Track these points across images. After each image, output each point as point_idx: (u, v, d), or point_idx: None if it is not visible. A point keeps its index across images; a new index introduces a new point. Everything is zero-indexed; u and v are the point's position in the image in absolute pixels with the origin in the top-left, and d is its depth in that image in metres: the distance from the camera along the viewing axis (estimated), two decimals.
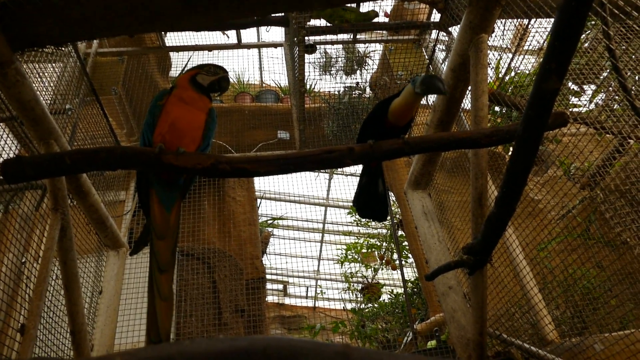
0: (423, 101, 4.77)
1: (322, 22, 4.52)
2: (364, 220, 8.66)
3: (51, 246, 2.50)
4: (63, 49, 3.71)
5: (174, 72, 6.40)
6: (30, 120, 2.45)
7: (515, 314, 3.13)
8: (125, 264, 4.10)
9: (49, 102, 3.51)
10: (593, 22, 3.49)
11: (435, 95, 3.05)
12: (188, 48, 5.35)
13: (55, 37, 2.10)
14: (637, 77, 2.97)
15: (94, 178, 3.88)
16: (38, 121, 2.47)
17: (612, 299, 3.07)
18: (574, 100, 3.85)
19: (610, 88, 3.31)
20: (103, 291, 3.81)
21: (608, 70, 3.24)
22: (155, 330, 1.85)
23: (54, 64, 3.66)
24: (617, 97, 3.26)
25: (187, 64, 6.06)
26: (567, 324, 3.09)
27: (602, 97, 3.54)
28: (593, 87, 3.58)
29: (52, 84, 3.59)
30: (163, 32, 5.17)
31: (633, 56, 2.93)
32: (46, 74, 3.41)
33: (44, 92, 3.37)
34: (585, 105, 3.70)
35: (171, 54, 6.06)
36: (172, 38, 5.37)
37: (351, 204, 8.90)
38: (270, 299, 10.72)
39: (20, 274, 2.94)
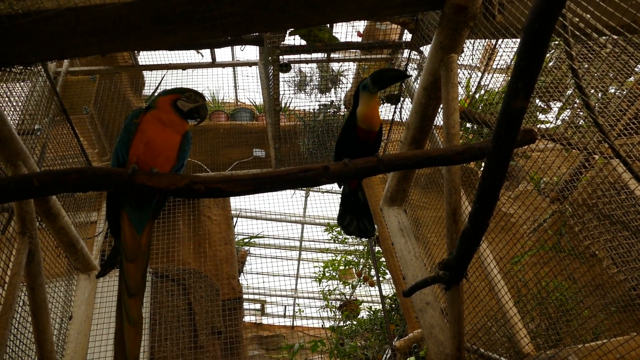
0: (397, 118, 4.86)
1: (296, 41, 4.57)
2: (341, 237, 8.67)
3: (18, 271, 2.41)
4: (32, 68, 3.63)
5: (147, 90, 6.33)
6: None
7: (492, 328, 3.16)
8: (96, 287, 3.98)
9: (17, 122, 3.42)
10: (557, 42, 3.63)
11: (409, 113, 3.11)
12: (161, 67, 5.32)
13: (24, 57, 2.06)
14: (599, 95, 3.09)
15: (64, 199, 3.77)
16: (5, 142, 2.41)
17: (585, 311, 3.14)
18: (541, 117, 3.97)
19: (575, 105, 3.43)
20: (73, 316, 3.68)
21: (572, 88, 3.37)
22: (122, 356, 1.80)
23: (22, 83, 3.58)
24: (581, 114, 3.38)
25: (160, 82, 6.01)
26: (542, 336, 3.14)
27: (568, 114, 3.67)
28: (559, 104, 3.70)
29: (20, 104, 3.51)
30: (136, 51, 5.13)
31: (595, 75, 3.05)
32: (14, 93, 3.33)
33: (11, 112, 3.29)
34: (552, 122, 3.83)
35: (144, 72, 6.01)
36: (145, 57, 5.33)
37: (327, 221, 8.87)
38: (247, 319, 10.54)
39: None
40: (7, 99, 3.18)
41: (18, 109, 3.47)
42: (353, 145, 2.27)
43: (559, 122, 3.77)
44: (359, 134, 2.26)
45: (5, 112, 2.42)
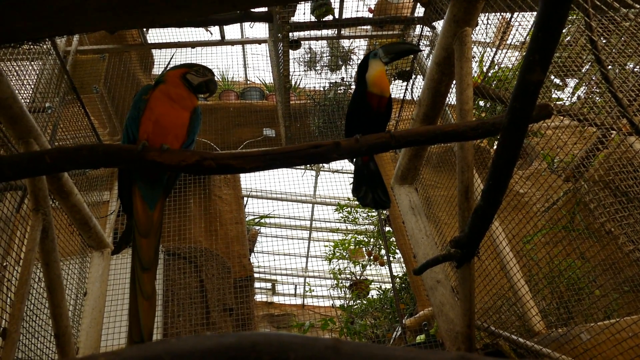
0: (408, 96, 4.79)
1: (306, 18, 4.50)
2: (351, 217, 8.68)
3: (33, 248, 2.44)
4: (42, 46, 3.62)
5: (157, 69, 6.31)
6: (8, 118, 2.39)
7: (503, 306, 3.16)
8: (110, 264, 4.04)
9: (28, 100, 3.43)
10: (574, 16, 3.53)
11: (421, 90, 3.06)
12: (171, 45, 5.28)
13: (32, 32, 2.04)
14: (617, 69, 3.01)
15: (76, 178, 3.81)
16: (16, 119, 2.41)
17: (597, 289, 3.11)
18: (556, 93, 3.89)
19: (592, 81, 3.35)
20: (88, 293, 3.75)
21: (590, 64, 3.28)
22: (137, 330, 1.82)
23: (33, 62, 3.58)
24: (598, 90, 3.30)
25: (170, 61, 5.98)
26: (553, 314, 3.13)
27: (584, 90, 3.59)
28: (575, 80, 3.62)
29: (31, 82, 3.51)
30: (145, 29, 5.09)
31: (614, 48, 2.96)
32: (25, 72, 3.34)
33: (22, 91, 3.30)
34: (568, 98, 3.74)
35: (153, 51, 5.98)
36: (154, 35, 5.29)
37: (338, 200, 8.87)
38: (258, 297, 10.68)
39: (2, 277, 2.88)
40: (18, 77, 3.19)
41: (29, 88, 3.48)
42: (364, 115, 2.25)
43: (574, 99, 3.69)
44: (370, 100, 2.23)
45: (16, 90, 2.41)
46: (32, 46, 3.22)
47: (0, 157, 1.68)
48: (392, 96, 2.39)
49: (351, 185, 2.49)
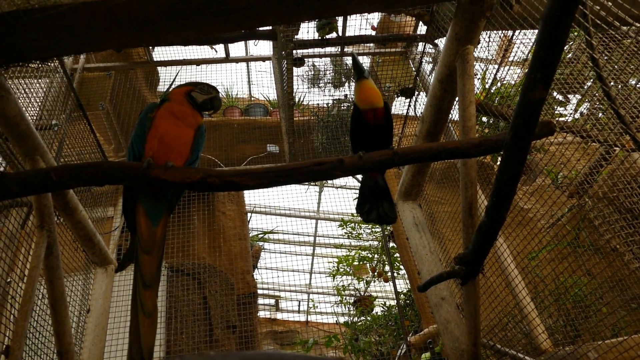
0: (411, 113, 4.81)
1: (310, 36, 4.55)
2: (355, 232, 8.65)
3: (37, 264, 2.45)
4: (49, 64, 3.68)
5: (162, 86, 6.38)
6: (15, 136, 2.42)
7: (509, 324, 3.12)
8: (113, 281, 4.03)
9: (34, 117, 3.47)
10: (576, 34, 3.56)
11: (424, 107, 3.07)
12: (176, 63, 5.35)
13: (41, 51, 2.08)
14: (620, 86, 3.02)
15: (81, 194, 3.83)
16: (23, 137, 2.44)
17: (604, 307, 3.08)
18: (559, 110, 3.90)
19: (595, 97, 3.36)
20: (91, 309, 3.73)
21: (592, 80, 3.30)
22: (137, 348, 1.81)
23: (40, 80, 3.63)
24: (601, 106, 3.31)
25: (175, 78, 6.05)
26: (560, 332, 3.09)
27: (587, 106, 3.59)
28: (578, 96, 3.63)
29: (38, 100, 3.56)
30: (150, 47, 5.17)
31: (616, 65, 2.98)
32: (32, 89, 3.38)
33: (29, 108, 3.34)
34: (571, 114, 3.75)
35: (159, 68, 6.06)
36: (160, 53, 5.36)
37: (341, 216, 8.84)
38: (262, 314, 10.60)
39: (6, 293, 2.87)
40: (25, 94, 3.23)
41: (36, 105, 3.52)
42: (364, 132, 2.28)
43: (577, 116, 3.69)
44: (365, 117, 2.27)
45: (23, 107, 2.44)
46: (40, 65, 3.27)
47: (6, 174, 1.70)
48: (395, 112, 2.42)
49: (355, 201, 2.50)
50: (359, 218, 8.36)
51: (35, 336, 2.99)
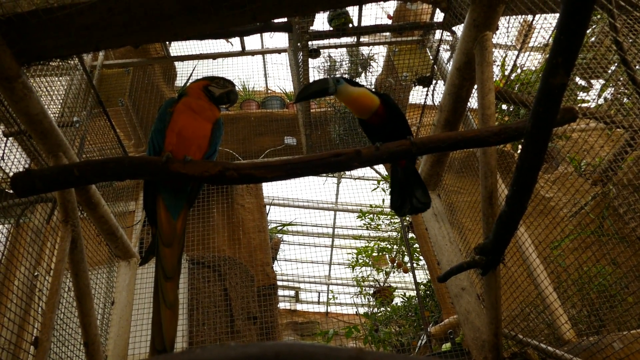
0: (429, 102, 4.76)
1: (325, 27, 4.52)
2: (374, 223, 8.63)
3: (62, 258, 2.51)
4: (69, 62, 3.74)
5: (180, 81, 6.43)
6: (39, 133, 2.47)
7: (531, 314, 3.08)
8: (136, 274, 4.11)
9: (56, 115, 3.53)
10: (599, 16, 3.45)
11: (442, 95, 3.03)
12: (193, 57, 5.38)
13: (61, 50, 2.11)
14: None
15: (104, 189, 3.90)
16: (46, 134, 2.49)
17: (629, 296, 3.01)
18: (582, 95, 3.81)
19: (619, 81, 3.27)
20: (115, 302, 3.82)
21: (616, 64, 3.21)
22: (159, 339, 1.85)
23: (61, 78, 3.69)
24: (626, 91, 3.22)
25: (192, 73, 6.09)
26: (583, 322, 3.04)
27: (611, 91, 3.50)
28: (601, 81, 3.53)
29: (59, 97, 3.62)
30: (167, 42, 5.20)
31: None
32: (53, 87, 3.45)
33: (51, 106, 3.40)
34: (594, 100, 3.66)
35: (176, 63, 6.10)
36: (177, 48, 5.40)
37: (360, 207, 8.82)
38: (282, 305, 10.69)
39: (33, 287, 2.96)
40: (46, 92, 3.29)
41: (58, 103, 3.59)
42: (375, 131, 2.23)
43: (600, 101, 3.60)
44: (369, 122, 2.22)
45: (45, 105, 2.49)
46: (60, 63, 3.33)
47: (31, 170, 1.74)
48: (413, 102, 2.37)
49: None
50: (377, 209, 8.37)
51: (62, 327, 3.08)
